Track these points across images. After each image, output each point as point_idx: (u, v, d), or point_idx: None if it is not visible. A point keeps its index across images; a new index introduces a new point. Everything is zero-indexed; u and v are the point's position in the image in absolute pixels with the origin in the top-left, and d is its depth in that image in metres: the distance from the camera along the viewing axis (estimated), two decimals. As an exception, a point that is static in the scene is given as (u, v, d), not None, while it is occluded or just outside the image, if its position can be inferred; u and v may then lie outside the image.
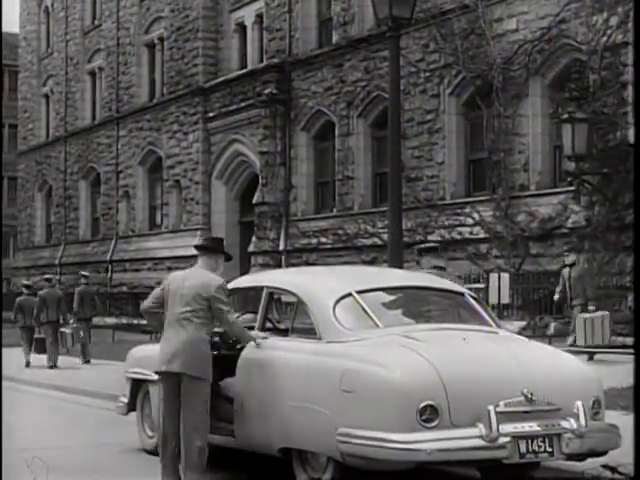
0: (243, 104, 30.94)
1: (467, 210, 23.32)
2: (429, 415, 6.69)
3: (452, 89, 24.11)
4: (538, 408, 6.93)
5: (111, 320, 32.37)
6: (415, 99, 24.85)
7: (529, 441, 6.86)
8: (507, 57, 22.35)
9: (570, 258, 17.45)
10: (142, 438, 9.62)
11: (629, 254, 19.00)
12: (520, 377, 6.96)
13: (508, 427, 6.78)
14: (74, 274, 28.42)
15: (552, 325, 19.35)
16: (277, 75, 29.55)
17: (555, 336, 17.92)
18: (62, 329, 20.69)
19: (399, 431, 6.66)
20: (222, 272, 8.23)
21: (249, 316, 9.18)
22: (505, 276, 20.30)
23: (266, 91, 29.46)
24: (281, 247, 29.11)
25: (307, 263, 27.21)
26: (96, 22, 41.96)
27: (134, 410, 9.75)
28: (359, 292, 7.85)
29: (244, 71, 31.87)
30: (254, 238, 29.90)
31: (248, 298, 9.70)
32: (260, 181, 29.83)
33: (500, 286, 19.94)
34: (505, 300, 20.20)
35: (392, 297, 8.40)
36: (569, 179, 20.75)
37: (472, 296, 8.49)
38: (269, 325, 8.93)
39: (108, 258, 38.75)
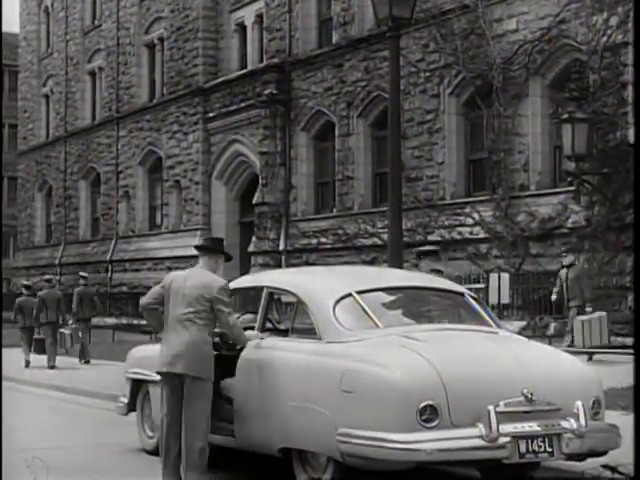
0: (243, 104, 30.94)
1: (467, 210, 23.32)
2: (429, 415, 6.69)
3: (452, 89, 24.11)
4: (538, 408, 6.93)
5: (111, 320, 32.37)
6: (415, 99, 24.85)
7: (529, 441, 6.86)
8: (507, 57, 22.35)
9: (568, 259, 17.43)
10: (142, 438, 9.62)
11: (629, 254, 18.99)
12: (520, 377, 6.97)
13: (508, 427, 6.78)
14: (74, 274, 28.41)
15: (552, 325, 19.35)
16: (277, 75, 29.55)
17: (555, 336, 17.93)
18: (61, 330, 20.71)
19: (399, 431, 6.66)
20: (222, 272, 8.24)
21: (249, 316, 9.18)
22: (505, 276, 20.31)
23: (266, 91, 29.47)
24: (281, 247, 29.11)
25: (307, 263, 27.21)
26: (96, 22, 41.96)
27: (134, 410, 9.76)
28: (359, 292, 7.85)
29: (244, 71, 31.88)
30: (254, 238, 29.90)
31: (248, 298, 9.72)
32: (260, 181, 29.83)
33: (500, 286, 19.94)
34: (505, 300, 20.20)
35: (392, 297, 8.40)
36: (569, 179, 20.74)
37: (472, 296, 8.50)
38: (269, 325, 8.93)
39: (108, 258, 38.76)
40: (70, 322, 21.30)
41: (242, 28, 33.28)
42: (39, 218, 46.51)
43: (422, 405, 6.67)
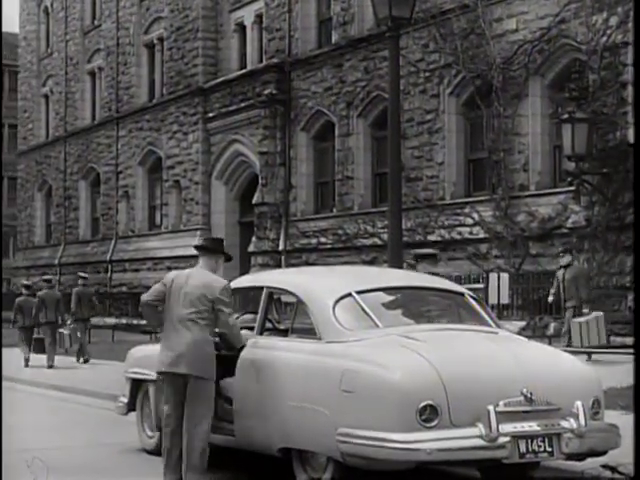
0: (243, 104, 30.94)
1: (467, 210, 23.32)
2: (429, 415, 6.69)
3: (452, 89, 24.11)
4: (538, 408, 6.93)
5: (111, 320, 32.39)
6: (415, 99, 24.85)
7: (529, 441, 6.87)
8: (507, 57, 22.34)
9: (565, 259, 17.40)
10: (142, 438, 9.63)
11: (629, 254, 19.00)
12: (520, 377, 6.97)
13: (508, 427, 6.79)
14: (74, 274, 28.41)
15: (552, 325, 19.34)
16: (277, 75, 29.54)
17: (555, 336, 17.92)
18: (60, 330, 20.74)
19: (399, 431, 6.67)
20: (222, 272, 8.24)
21: (249, 316, 9.19)
22: (505, 276, 20.31)
23: (266, 91, 29.46)
24: (281, 247, 29.11)
25: (307, 263, 27.21)
26: (96, 22, 41.96)
27: (134, 410, 9.76)
28: (359, 292, 7.86)
29: (244, 71, 31.88)
30: (254, 238, 29.90)
31: (248, 298, 9.71)
32: (260, 181, 29.83)
33: (500, 286, 19.94)
34: (505, 300, 20.20)
35: (392, 297, 8.40)
36: (569, 179, 20.73)
37: (472, 296, 8.50)
38: (269, 325, 8.94)
39: (108, 258, 38.76)
40: (69, 322, 21.32)
41: (242, 28, 33.28)
42: (39, 218, 46.52)
43: (422, 405, 6.67)
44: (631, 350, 13.66)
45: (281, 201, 29.33)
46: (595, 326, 16.18)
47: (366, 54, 26.56)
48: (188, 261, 29.11)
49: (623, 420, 8.17)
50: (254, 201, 29.90)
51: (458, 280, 19.27)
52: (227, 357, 8.08)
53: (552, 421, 6.97)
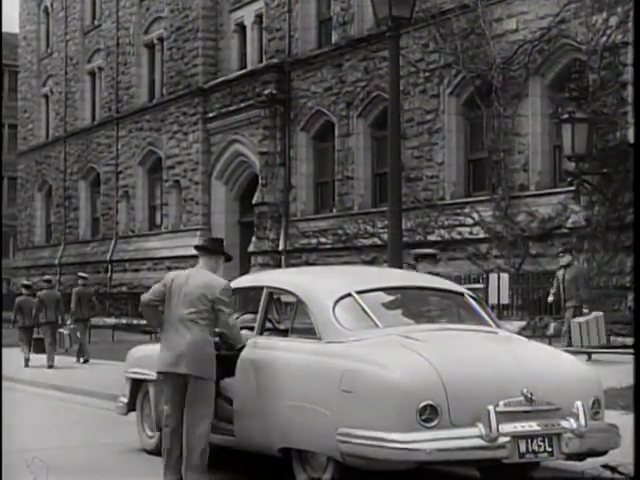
0: (243, 104, 30.95)
1: (467, 210, 23.32)
2: (429, 415, 6.69)
3: (452, 89, 24.11)
4: (538, 408, 6.93)
5: (111, 320, 32.39)
6: (415, 99, 24.85)
7: (529, 441, 6.86)
8: (507, 57, 22.35)
9: (564, 259, 17.38)
10: (142, 438, 9.63)
11: (629, 254, 19.00)
12: (520, 377, 6.97)
13: (508, 427, 6.78)
14: (74, 274, 28.42)
15: (552, 325, 19.34)
16: (277, 75, 29.55)
17: (555, 336, 17.92)
18: (60, 330, 20.76)
19: (399, 431, 6.67)
20: (222, 272, 8.24)
21: (249, 316, 9.19)
22: (505, 276, 20.31)
23: (266, 91, 29.47)
24: (281, 247, 29.11)
25: (307, 263, 27.22)
26: (96, 22, 41.97)
27: (134, 410, 9.75)
28: (359, 292, 7.85)
29: (244, 71, 31.88)
30: (254, 238, 29.91)
31: (248, 298, 9.71)
32: (260, 181, 29.84)
33: (500, 286, 19.94)
34: (505, 300, 20.21)
35: (392, 297, 8.40)
36: (569, 179, 20.74)
37: (472, 296, 8.50)
38: (269, 325, 8.94)
39: (108, 258, 38.77)
40: (69, 322, 21.34)
41: (242, 28, 33.29)
42: (39, 218, 46.52)
43: (422, 405, 6.67)
44: (631, 350, 13.66)
45: (281, 201, 29.34)
46: (595, 326, 16.17)
47: (366, 54, 26.57)
48: (188, 261, 29.11)
49: (623, 420, 8.17)
50: (254, 201, 29.91)
51: (458, 280, 19.26)
52: (227, 357, 8.08)
53: (552, 421, 6.97)
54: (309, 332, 7.79)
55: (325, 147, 28.79)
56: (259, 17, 31.97)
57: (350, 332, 7.50)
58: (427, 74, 24.61)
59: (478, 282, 21.27)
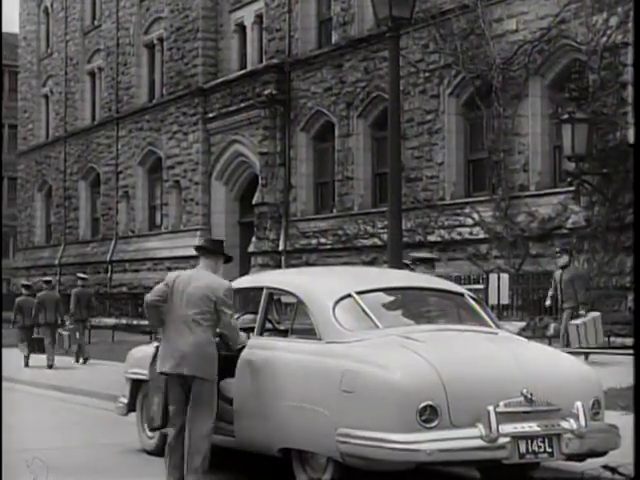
0: (243, 105, 30.95)
1: (467, 210, 23.32)
2: (429, 415, 6.69)
3: (452, 89, 24.11)
4: (538, 408, 6.93)
5: (111, 320, 32.40)
6: (415, 99, 24.85)
7: (529, 441, 6.87)
8: (507, 57, 22.35)
9: (562, 260, 17.37)
10: (142, 438, 9.63)
11: (629, 254, 19.00)
12: (520, 377, 6.97)
13: (508, 427, 6.78)
14: (74, 275, 28.43)
15: (552, 326, 19.34)
16: (277, 75, 29.54)
17: (555, 337, 17.91)
18: (60, 330, 20.78)
19: (399, 431, 6.67)
20: (222, 273, 8.24)
21: (249, 316, 9.19)
22: (505, 276, 20.30)
23: (266, 92, 29.47)
24: (281, 247, 29.11)
25: (307, 264, 27.22)
26: (96, 22, 41.96)
27: (134, 411, 9.75)
28: (359, 293, 7.86)
29: (244, 72, 31.88)
30: (254, 238, 29.91)
31: (248, 299, 9.71)
32: (260, 181, 29.84)
33: (500, 286, 19.94)
34: (505, 301, 20.20)
35: (392, 298, 8.40)
36: (569, 179, 20.74)
37: (472, 297, 8.50)
38: (269, 326, 8.94)
39: (108, 258, 38.76)
40: (68, 322, 21.35)
41: (242, 28, 33.29)
42: (39, 218, 46.52)
43: (422, 405, 6.67)
44: (631, 351, 13.66)
45: (281, 201, 29.33)
46: (592, 327, 16.17)
47: (366, 54, 26.57)
48: (188, 261, 29.12)
49: (623, 421, 8.17)
50: (254, 201, 29.91)
51: (458, 280, 19.26)
52: (227, 357, 8.08)
53: (552, 422, 6.97)
54: (309, 333, 7.79)
55: (325, 147, 28.79)
56: (259, 17, 31.97)
57: (350, 333, 7.51)
58: (427, 74, 24.61)
59: (478, 282, 21.27)
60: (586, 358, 15.45)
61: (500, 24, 22.74)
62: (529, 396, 6.88)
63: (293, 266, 26.64)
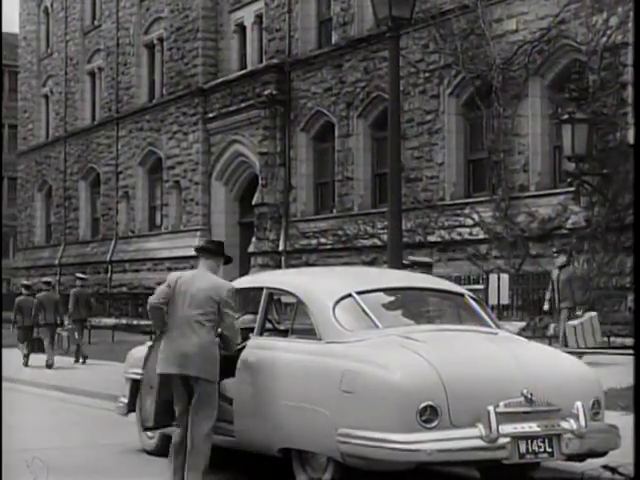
0: (243, 105, 30.94)
1: (467, 211, 23.32)
2: (429, 416, 6.69)
3: (452, 89, 24.11)
4: (538, 409, 6.94)
5: (111, 321, 32.39)
6: (415, 99, 24.86)
7: (529, 441, 6.87)
8: (507, 57, 22.35)
9: (560, 260, 17.36)
10: (142, 439, 9.63)
11: (629, 255, 19.00)
12: (520, 378, 6.97)
13: (508, 427, 6.79)
14: (74, 275, 28.45)
15: (552, 326, 19.31)
16: (277, 76, 29.54)
17: (555, 337, 17.91)
18: (59, 330, 20.77)
19: (399, 431, 6.67)
20: (222, 274, 8.24)
21: (249, 317, 9.19)
22: (505, 277, 20.31)
23: (266, 92, 29.47)
24: (281, 248, 29.11)
25: (307, 264, 27.22)
26: (96, 22, 41.96)
27: (134, 411, 9.73)
28: (359, 293, 7.86)
29: (244, 72, 31.88)
30: (254, 239, 29.90)
31: (248, 299, 9.71)
32: (260, 182, 29.84)
33: (500, 287, 19.95)
34: (505, 301, 20.21)
35: (392, 298, 8.41)
36: (569, 180, 20.74)
37: (472, 297, 8.50)
38: (269, 326, 8.94)
39: (108, 259, 38.76)
40: (66, 323, 21.35)
41: (242, 28, 33.29)
42: (39, 218, 46.51)
43: (422, 405, 6.67)
44: (631, 351, 13.65)
45: (281, 202, 29.33)
46: (590, 327, 16.16)
47: (366, 54, 26.57)
48: (188, 262, 29.15)
49: (623, 421, 8.17)
50: (254, 202, 29.91)
51: (458, 281, 19.27)
52: (227, 357, 8.09)
53: (552, 422, 6.97)
54: (309, 333, 7.79)
55: (325, 148, 28.79)
56: (259, 17, 31.97)
57: (350, 333, 7.51)
58: (427, 74, 24.61)
59: (478, 283, 21.27)
60: (579, 357, 15.41)
61: (500, 24, 22.74)
62: (529, 396, 6.88)
63: (293, 266, 26.65)
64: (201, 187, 33.39)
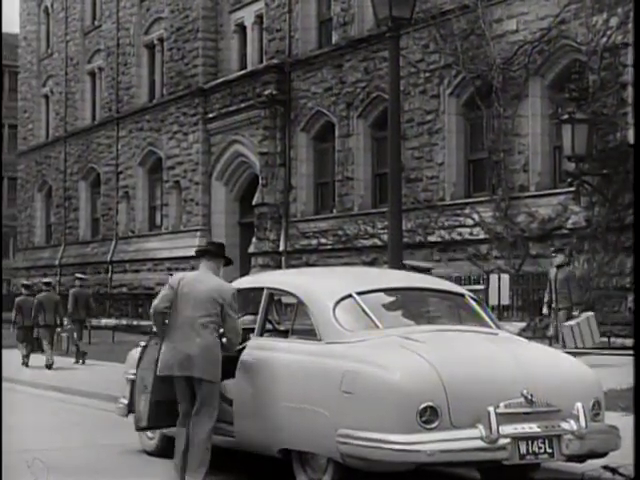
0: (243, 105, 30.94)
1: (467, 211, 23.32)
2: (429, 416, 6.69)
3: (452, 89, 24.10)
4: (538, 409, 6.93)
5: (111, 321, 32.38)
6: (415, 100, 24.85)
7: (529, 442, 6.86)
8: (507, 58, 22.35)
9: (557, 259, 17.34)
10: (142, 439, 9.63)
11: (629, 255, 18.99)
12: (520, 378, 6.97)
13: (508, 428, 6.78)
14: (74, 275, 28.47)
15: (552, 326, 19.33)
16: (277, 76, 29.54)
17: (555, 337, 17.90)
18: (58, 330, 20.77)
19: (399, 432, 6.67)
20: (222, 274, 8.24)
21: (249, 317, 9.19)
22: (505, 277, 20.30)
23: (266, 92, 29.47)
24: (281, 248, 29.11)
25: (307, 264, 27.21)
26: (96, 22, 41.97)
27: (134, 411, 9.73)
28: (359, 293, 7.85)
29: (244, 72, 31.88)
30: (254, 239, 29.90)
31: (248, 299, 9.71)
32: (260, 182, 29.84)
33: (500, 287, 19.94)
34: (505, 301, 20.20)
35: (392, 298, 8.40)
36: (569, 180, 20.73)
37: (472, 297, 8.50)
38: (269, 326, 8.93)
39: (108, 259, 38.76)
40: (66, 323, 21.36)
41: (242, 29, 33.29)
42: (39, 218, 46.51)
43: (422, 406, 6.67)
44: (631, 351, 13.65)
45: (281, 202, 29.33)
46: (587, 327, 16.15)
47: (366, 55, 26.57)
48: (188, 262, 29.16)
49: (623, 421, 8.18)
50: (254, 202, 29.90)
51: (458, 281, 19.26)
52: (227, 358, 8.09)
53: (552, 422, 6.97)
54: (309, 333, 7.79)
55: (325, 148, 28.79)
56: (259, 17, 31.97)
57: (350, 333, 7.51)
58: (427, 75, 24.61)
59: (478, 283, 21.26)
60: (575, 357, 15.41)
61: (500, 24, 22.74)
62: (529, 397, 6.88)
63: (293, 267, 26.64)
64: (201, 187, 33.39)
